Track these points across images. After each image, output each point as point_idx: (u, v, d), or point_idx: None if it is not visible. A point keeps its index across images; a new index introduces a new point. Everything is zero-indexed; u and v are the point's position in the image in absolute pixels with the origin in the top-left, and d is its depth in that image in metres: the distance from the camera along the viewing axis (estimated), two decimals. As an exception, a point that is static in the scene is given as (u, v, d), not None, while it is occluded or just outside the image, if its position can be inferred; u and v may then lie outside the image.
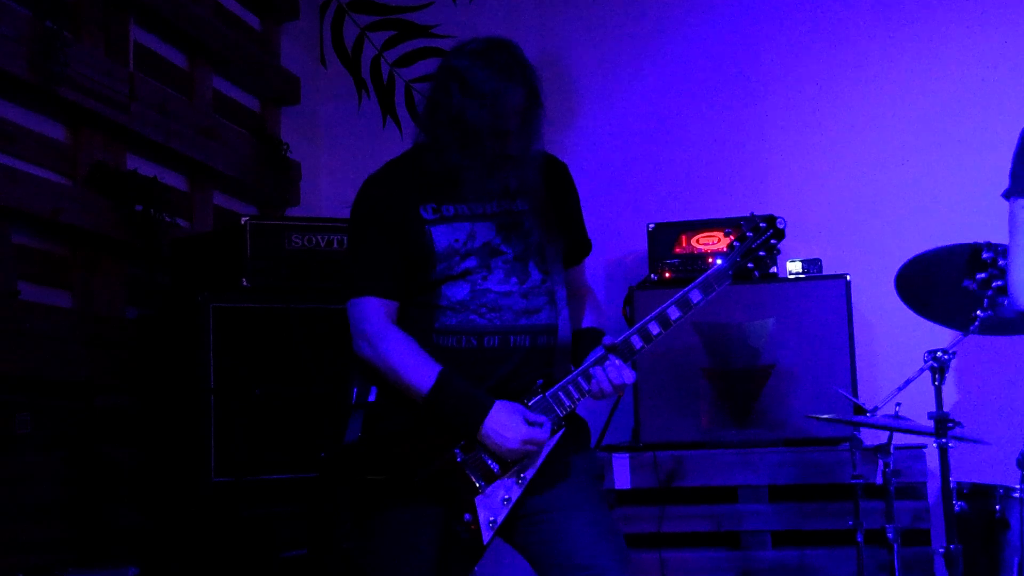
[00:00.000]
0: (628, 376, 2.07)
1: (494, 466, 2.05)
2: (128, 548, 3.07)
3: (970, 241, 2.70)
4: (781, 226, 2.14)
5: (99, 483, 3.04)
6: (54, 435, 2.92)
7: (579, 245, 2.29)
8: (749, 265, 2.13)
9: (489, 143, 2.05)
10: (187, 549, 3.00)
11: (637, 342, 2.08)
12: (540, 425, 2.04)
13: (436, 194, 2.12)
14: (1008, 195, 2.11)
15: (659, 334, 2.09)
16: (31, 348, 2.90)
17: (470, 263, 2.10)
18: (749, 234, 2.14)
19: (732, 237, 2.15)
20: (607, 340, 2.09)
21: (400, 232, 2.11)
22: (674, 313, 2.10)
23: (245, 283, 3.09)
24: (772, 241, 2.14)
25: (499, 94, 2.03)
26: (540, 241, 2.14)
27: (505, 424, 2.01)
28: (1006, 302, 2.09)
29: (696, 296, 2.10)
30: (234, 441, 2.98)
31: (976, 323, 2.50)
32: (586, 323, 2.25)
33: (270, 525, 2.97)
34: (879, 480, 2.88)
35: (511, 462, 2.05)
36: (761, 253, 2.14)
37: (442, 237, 2.10)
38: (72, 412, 3.00)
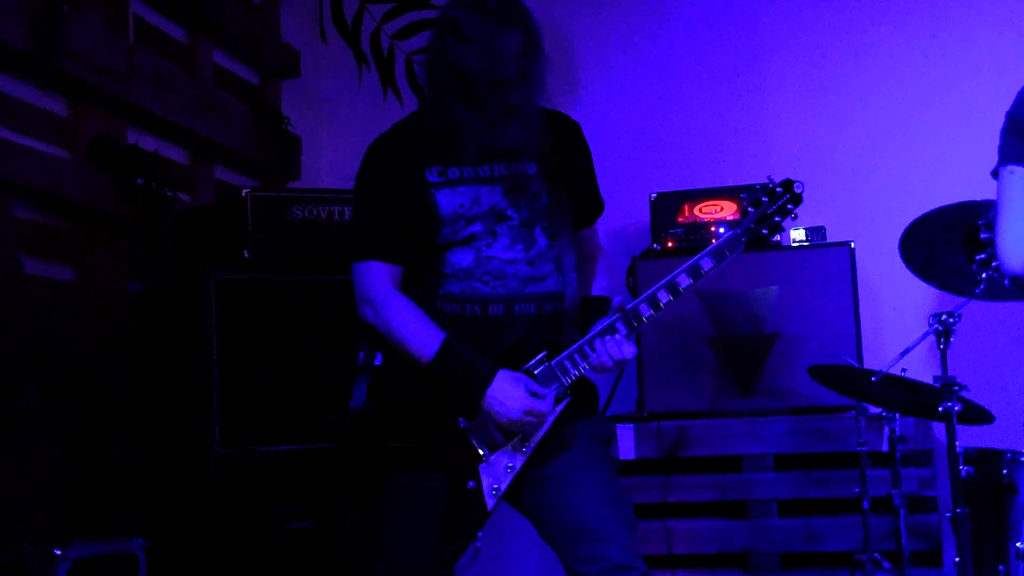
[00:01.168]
0: (628, 351, 2.04)
1: (498, 435, 2.05)
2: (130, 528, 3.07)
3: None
4: (799, 190, 2.06)
5: (101, 460, 3.05)
6: (57, 409, 2.92)
7: (591, 206, 2.23)
8: (763, 231, 2.07)
9: (488, 92, 2.00)
10: (193, 522, 3.01)
11: (646, 310, 2.05)
12: (543, 397, 2.02)
13: (441, 157, 2.08)
14: (996, 167, 2.11)
15: (668, 303, 2.05)
16: (33, 322, 2.90)
17: (475, 228, 2.07)
18: (764, 199, 2.07)
19: (745, 203, 2.08)
20: (616, 301, 2.06)
21: (405, 196, 2.08)
22: (684, 281, 2.05)
23: (247, 255, 3.08)
24: (789, 206, 2.07)
25: (493, 39, 1.98)
26: (549, 205, 2.09)
27: (508, 393, 2.00)
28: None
29: (707, 264, 2.05)
30: (238, 413, 2.98)
31: (982, 286, 2.48)
32: (596, 289, 2.22)
33: (274, 496, 2.98)
34: (885, 447, 2.87)
35: (514, 431, 2.04)
36: (777, 219, 2.07)
37: (447, 201, 2.07)
38: (74, 385, 3.01)
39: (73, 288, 3.13)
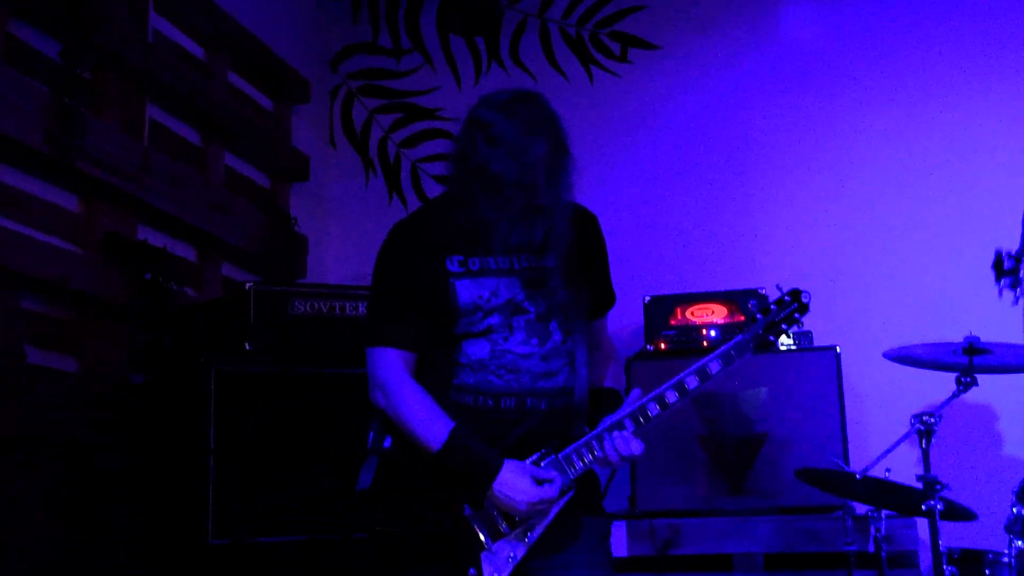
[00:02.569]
0: (636, 448, 2.08)
1: (502, 524, 2.08)
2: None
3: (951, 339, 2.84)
4: (806, 300, 2.18)
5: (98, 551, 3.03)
6: (53, 497, 2.92)
7: (604, 298, 2.29)
8: (771, 338, 2.16)
9: (516, 194, 2.05)
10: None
11: (654, 409, 2.10)
12: (551, 481, 2.05)
13: (463, 246, 2.12)
14: None
15: (676, 402, 2.11)
16: (35, 412, 2.91)
17: (492, 320, 2.10)
18: (773, 307, 2.17)
19: (754, 309, 2.17)
20: (635, 394, 2.11)
21: (424, 283, 2.11)
22: (692, 382, 2.12)
23: (248, 347, 3.14)
24: (796, 315, 2.17)
25: (525, 146, 2.04)
26: (565, 299, 2.14)
27: (514, 485, 2.03)
28: None
29: (715, 366, 2.12)
30: (233, 503, 2.98)
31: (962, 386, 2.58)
32: (607, 382, 2.26)
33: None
34: (871, 547, 2.89)
35: (519, 520, 2.08)
36: (784, 326, 2.17)
37: (466, 292, 2.10)
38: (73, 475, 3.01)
39: (77, 378, 3.15)
